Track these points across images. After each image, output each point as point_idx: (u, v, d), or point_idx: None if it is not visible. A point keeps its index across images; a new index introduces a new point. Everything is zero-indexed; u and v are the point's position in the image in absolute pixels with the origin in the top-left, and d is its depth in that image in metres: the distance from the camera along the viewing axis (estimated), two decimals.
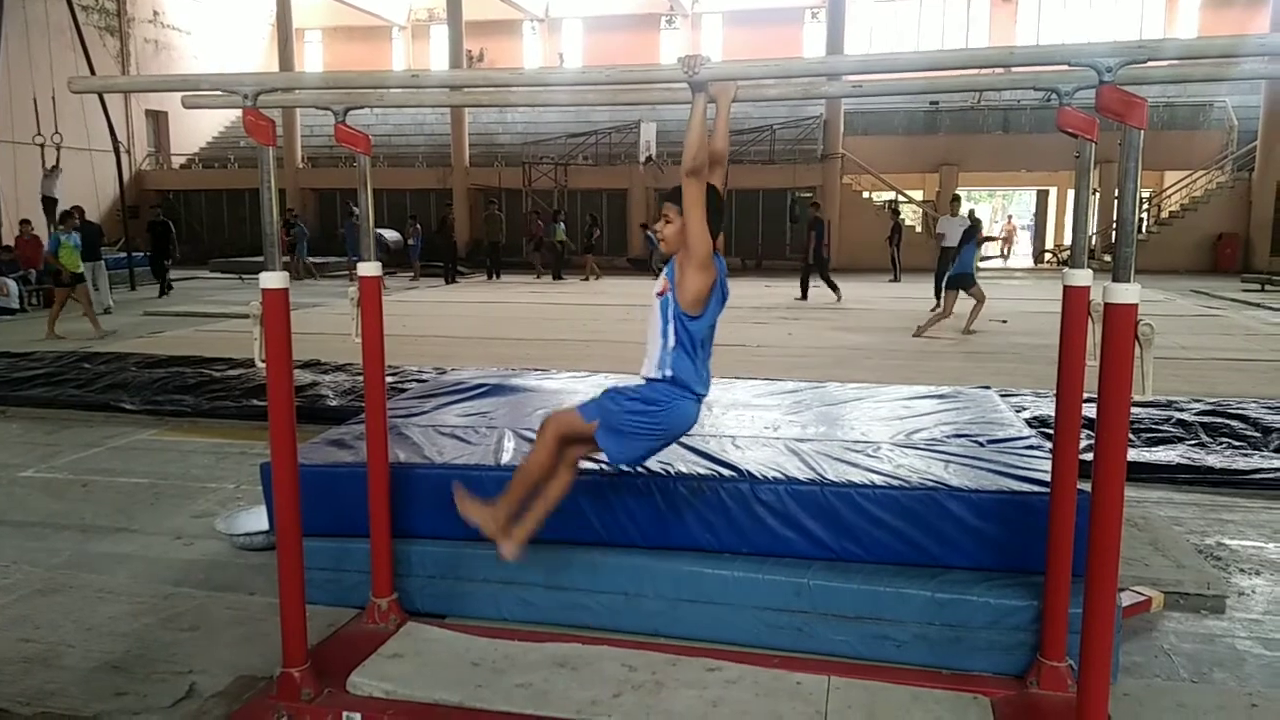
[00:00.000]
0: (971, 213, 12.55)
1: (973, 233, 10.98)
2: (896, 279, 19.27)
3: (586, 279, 19.76)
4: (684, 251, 2.61)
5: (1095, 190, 21.87)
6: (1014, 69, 3.03)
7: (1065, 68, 2.57)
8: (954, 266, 10.94)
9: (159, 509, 4.55)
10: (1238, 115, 22.22)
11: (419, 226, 20.62)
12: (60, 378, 7.43)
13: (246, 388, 6.85)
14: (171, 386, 7.03)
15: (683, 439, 3.60)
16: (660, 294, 2.69)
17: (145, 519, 4.41)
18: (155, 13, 27.12)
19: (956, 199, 13.12)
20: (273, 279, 2.65)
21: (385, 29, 32.23)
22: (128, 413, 6.51)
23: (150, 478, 5.07)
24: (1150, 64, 2.63)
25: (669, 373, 2.67)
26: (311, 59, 32.59)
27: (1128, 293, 2.24)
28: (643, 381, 2.72)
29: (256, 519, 4.01)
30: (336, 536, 3.33)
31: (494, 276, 20.47)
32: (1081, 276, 2.64)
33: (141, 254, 17.94)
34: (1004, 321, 11.46)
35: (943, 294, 11.07)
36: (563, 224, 20.83)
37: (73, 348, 9.07)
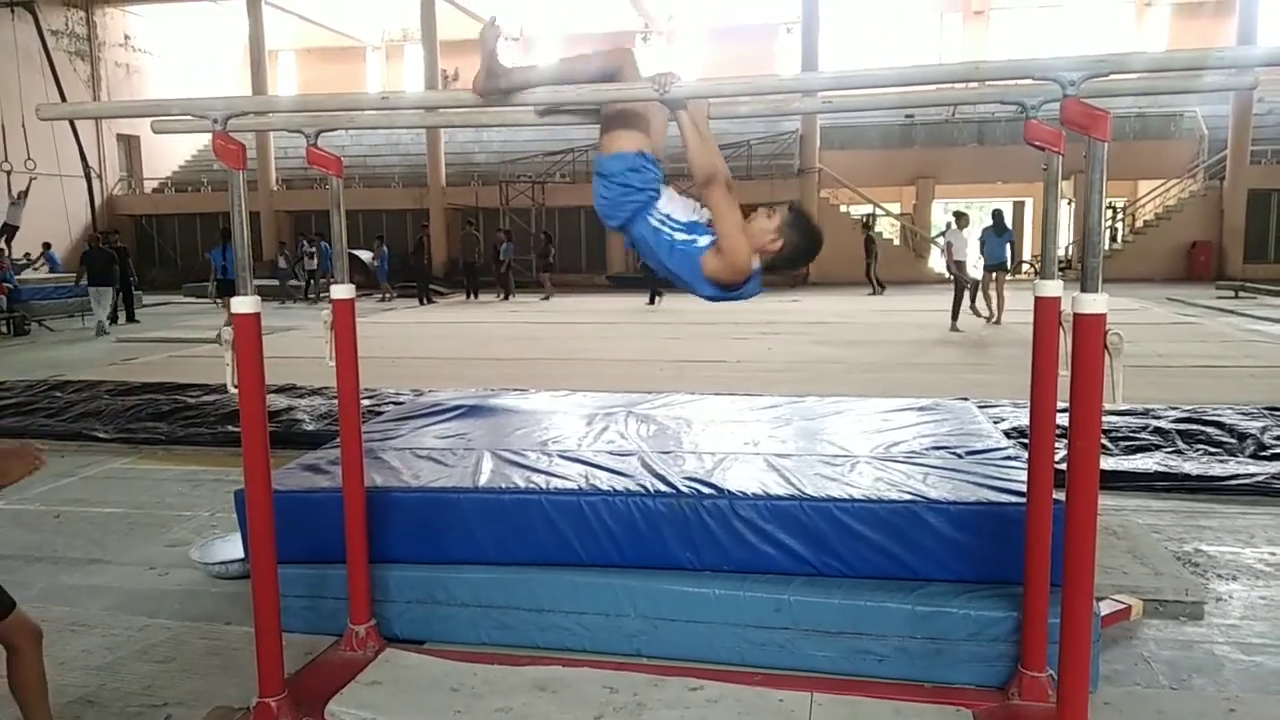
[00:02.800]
0: (997, 212, 13.11)
1: (1001, 229, 12.70)
2: (875, 292, 19.42)
3: (546, 298, 19.68)
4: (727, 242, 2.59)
5: (1070, 201, 22.15)
6: (983, 83, 3.05)
7: (1030, 81, 2.61)
8: (988, 258, 12.55)
9: (133, 539, 4.49)
10: (1208, 125, 22.58)
11: (385, 247, 20.51)
12: (31, 407, 7.33)
13: (221, 414, 6.78)
14: (145, 414, 6.95)
15: (661, 457, 3.60)
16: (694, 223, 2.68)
17: (119, 549, 4.34)
18: (126, 37, 27.00)
19: (962, 215, 13.18)
20: (244, 304, 2.62)
21: (359, 50, 32.25)
22: (100, 441, 6.43)
23: (124, 507, 5.00)
24: (1116, 77, 2.67)
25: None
26: (285, 80, 32.54)
27: (1095, 302, 2.26)
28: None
29: (231, 547, 3.96)
30: (313, 563, 3.29)
31: (471, 296, 20.41)
32: (1052, 287, 2.66)
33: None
34: (959, 331, 12.08)
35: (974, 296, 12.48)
36: (509, 245, 20.49)
37: (44, 376, 8.95)
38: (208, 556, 3.97)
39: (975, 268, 12.79)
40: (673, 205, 2.68)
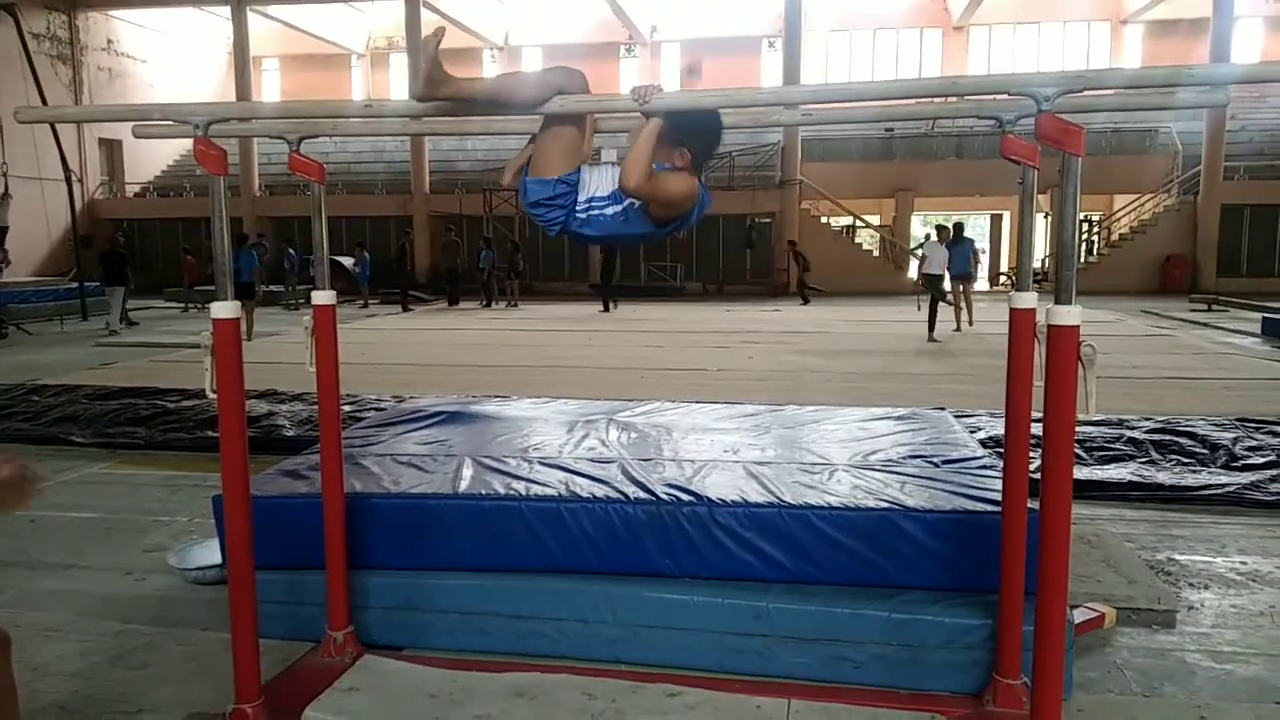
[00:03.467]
0: (958, 225, 13.28)
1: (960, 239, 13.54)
2: (805, 303, 19.63)
3: (513, 305, 19.77)
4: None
5: (1047, 214, 22.40)
6: (961, 98, 3.10)
7: (1007, 97, 2.66)
8: (954, 267, 13.22)
9: (109, 544, 4.45)
10: (1182, 140, 22.91)
11: (366, 254, 20.47)
12: (8, 410, 7.26)
13: (200, 419, 6.74)
14: (124, 418, 6.90)
15: (642, 464, 3.62)
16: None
17: (95, 554, 4.31)
18: (109, 40, 26.84)
19: (943, 228, 13.31)
20: (223, 309, 2.63)
21: (344, 57, 32.18)
22: (78, 446, 6.37)
23: (101, 512, 4.96)
24: (1090, 93, 2.72)
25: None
26: (269, 86, 32.43)
27: (1069, 315, 2.31)
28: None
29: (209, 552, 3.94)
30: (291, 569, 3.28)
31: (453, 303, 20.38)
32: (1027, 299, 2.70)
33: (96, 284, 17.69)
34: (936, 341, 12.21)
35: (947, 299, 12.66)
36: (489, 252, 20.49)
37: (21, 380, 8.87)
38: (185, 562, 3.95)
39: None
40: (595, 184, 2.69)
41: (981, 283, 27.95)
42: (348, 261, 20.34)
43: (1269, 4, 26.93)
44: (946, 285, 13.15)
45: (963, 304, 13.43)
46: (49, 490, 5.39)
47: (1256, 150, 23.36)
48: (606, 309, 18.09)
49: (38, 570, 4.12)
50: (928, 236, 27.11)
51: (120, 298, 14.66)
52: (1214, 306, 16.94)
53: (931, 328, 12.41)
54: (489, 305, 19.95)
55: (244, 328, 12.84)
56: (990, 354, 10.42)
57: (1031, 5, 28.98)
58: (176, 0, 26.52)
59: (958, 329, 13.22)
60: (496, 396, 6.36)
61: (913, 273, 24.79)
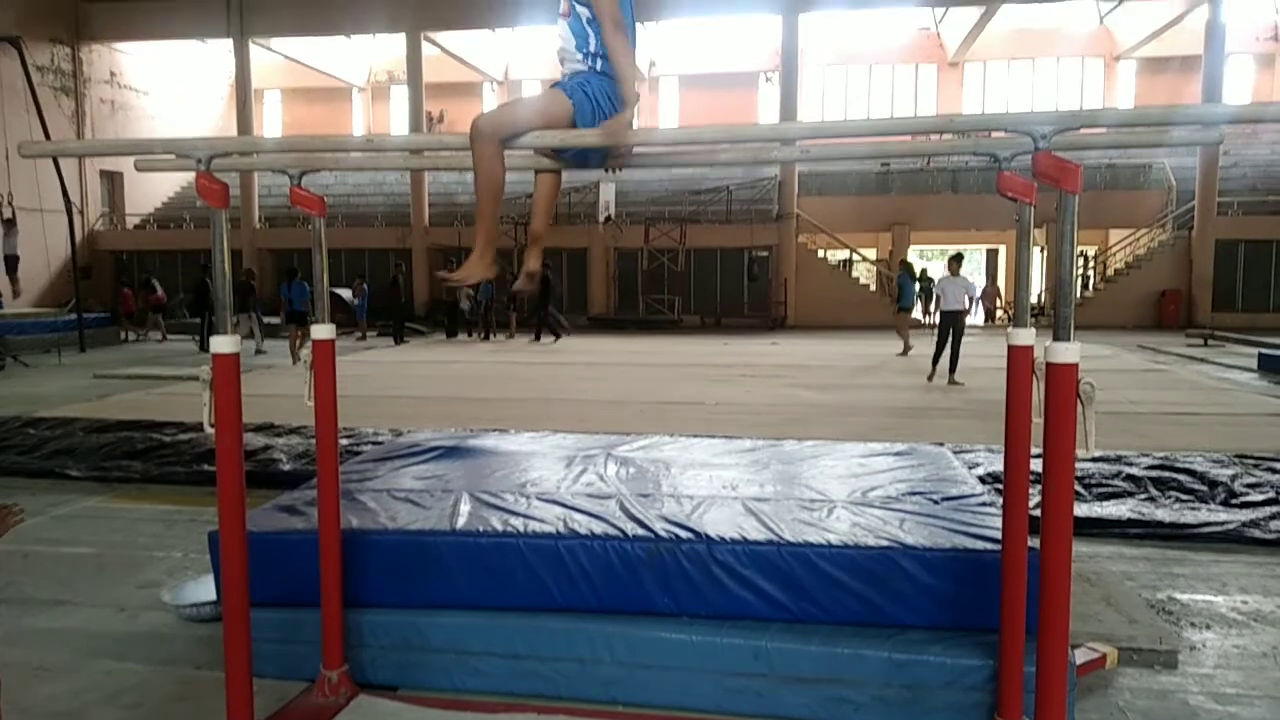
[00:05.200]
0: (923, 270, 13.22)
1: (911, 273, 15.47)
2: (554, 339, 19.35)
3: (511, 337, 19.76)
4: None
5: (1043, 248, 22.52)
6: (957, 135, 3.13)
7: (1003, 134, 2.68)
8: (902, 299, 15.06)
9: (103, 580, 4.41)
10: (1176, 176, 23.11)
11: (366, 286, 20.52)
12: (4, 443, 7.22)
13: (197, 452, 6.71)
14: (120, 452, 6.87)
15: (640, 500, 3.61)
16: (564, 15, 2.69)
17: (88, 590, 4.27)
18: (112, 73, 27.07)
19: (957, 259, 12.28)
20: (223, 343, 2.63)
21: (345, 90, 32.46)
22: (74, 479, 6.34)
23: (95, 547, 4.92)
24: (1086, 131, 2.75)
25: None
26: (270, 119, 32.67)
27: (1068, 352, 2.31)
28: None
29: (204, 589, 3.91)
30: (286, 606, 3.25)
31: (452, 335, 20.39)
32: (1025, 336, 2.70)
33: (95, 315, 17.76)
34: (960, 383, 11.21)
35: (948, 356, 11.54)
36: (488, 285, 20.40)
37: (17, 412, 8.84)
38: (179, 599, 3.91)
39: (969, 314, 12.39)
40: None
41: (978, 316, 28.18)
42: (346, 294, 20.38)
43: (1259, 41, 27.32)
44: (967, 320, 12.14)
45: (908, 331, 15.17)
46: (43, 525, 5.36)
47: (1250, 186, 23.55)
48: (539, 338, 18.56)
49: (29, 607, 4.08)
50: (924, 271, 27.26)
51: (253, 323, 16.15)
52: (1210, 342, 16.98)
53: (953, 369, 11.28)
54: (487, 338, 19.96)
55: (293, 349, 13.24)
56: (986, 389, 10.42)
57: (1026, 41, 29.34)
58: (180, 33, 26.75)
59: (903, 353, 14.72)
60: (494, 430, 6.35)
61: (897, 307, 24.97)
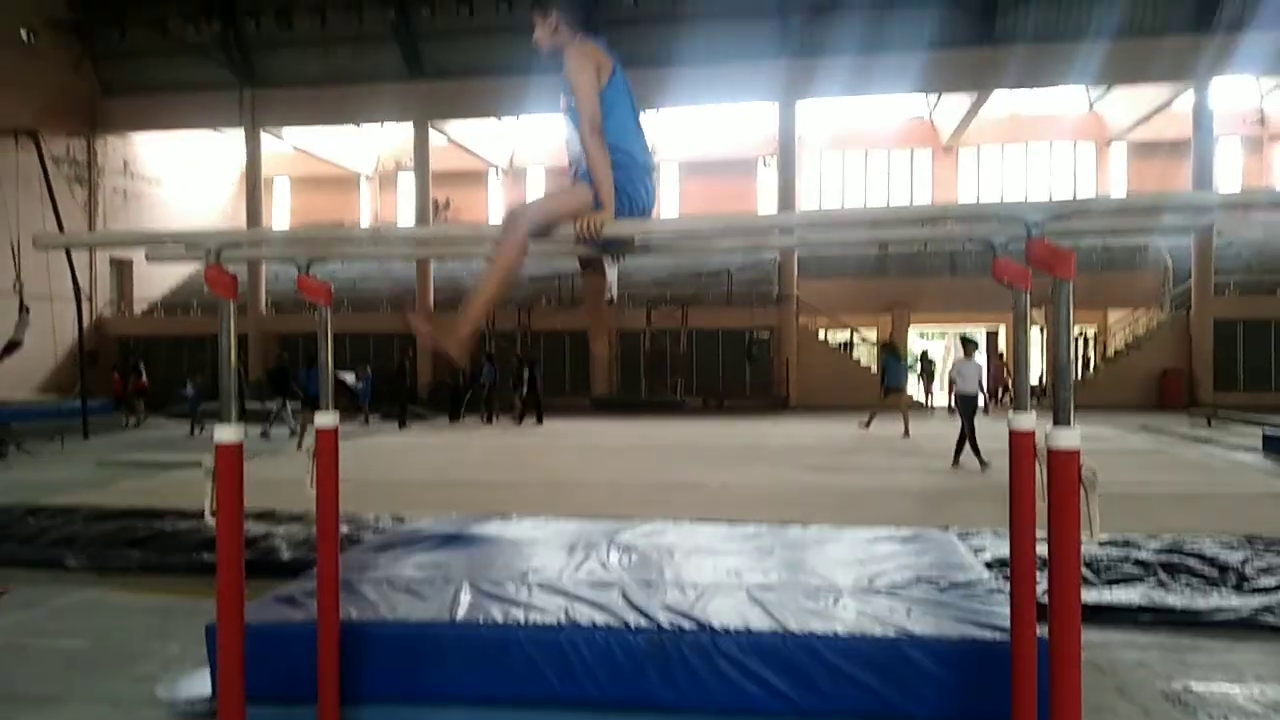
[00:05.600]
0: (923, 351, 13.14)
1: (895, 353, 15.85)
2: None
3: (516, 421, 19.62)
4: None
5: (1042, 328, 22.64)
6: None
7: (997, 222, 2.74)
8: (889, 382, 15.20)
9: (97, 674, 4.33)
10: (1172, 255, 23.38)
11: (370, 371, 20.60)
12: (3, 533, 7.17)
13: (197, 541, 6.65)
14: (120, 540, 6.80)
15: (642, 588, 3.57)
16: (564, 110, 2.80)
17: (81, 685, 4.18)
18: (125, 163, 27.71)
19: (970, 342, 12.06)
20: (227, 432, 2.64)
21: (353, 178, 33.14)
22: (72, 569, 6.27)
23: (91, 639, 4.84)
24: (1078, 219, 2.81)
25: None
26: (279, 206, 33.29)
27: (1069, 437, 2.32)
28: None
29: (200, 683, 3.83)
30: (284, 702, 3.19)
31: (455, 419, 20.38)
32: (1026, 420, 2.71)
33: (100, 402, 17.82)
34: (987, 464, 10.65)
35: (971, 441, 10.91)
36: (491, 368, 20.51)
37: (18, 500, 8.79)
38: (175, 693, 3.83)
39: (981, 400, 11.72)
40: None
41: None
42: (350, 377, 20.45)
43: (1246, 125, 27.96)
44: (980, 404, 11.74)
45: (903, 411, 15.08)
46: (38, 617, 5.28)
47: (1245, 266, 23.80)
48: (521, 420, 18.90)
49: (19, 704, 4.00)
50: (924, 353, 27.35)
51: (288, 407, 16.73)
52: (1213, 421, 16.93)
53: (977, 452, 10.80)
54: (489, 421, 19.95)
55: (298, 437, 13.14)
56: (992, 470, 10.36)
57: (1018, 127, 30.03)
58: (194, 124, 27.48)
59: (904, 435, 14.64)
60: (496, 516, 6.31)
61: (911, 389, 24.99)
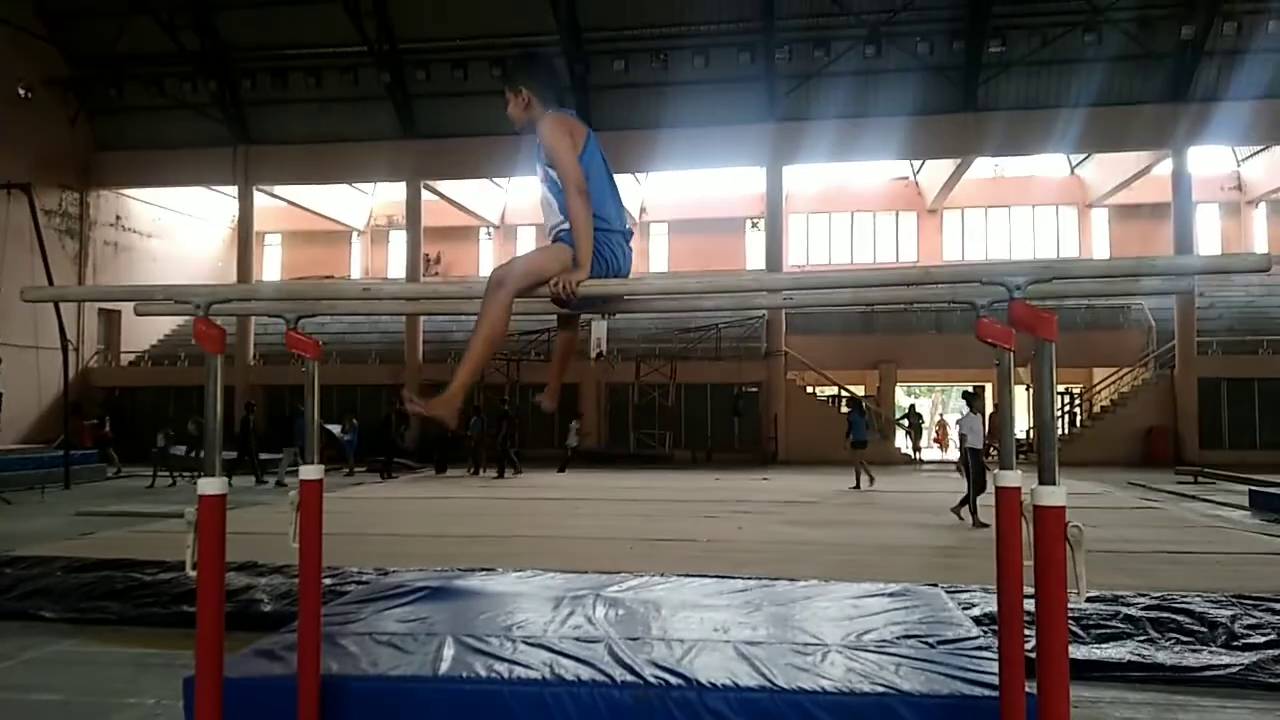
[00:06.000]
0: (910, 406, 12.98)
1: (860, 409, 16.56)
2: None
3: (516, 473, 19.54)
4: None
5: (1027, 386, 22.78)
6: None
7: (979, 285, 2.79)
8: (855, 437, 15.53)
9: None
10: (1155, 316, 23.65)
11: (355, 422, 20.52)
12: None
13: (177, 592, 6.55)
14: (98, 592, 6.69)
15: (629, 644, 3.53)
16: (543, 180, 2.91)
17: None
18: (118, 216, 27.83)
19: (973, 396, 11.84)
20: (211, 485, 2.63)
21: (345, 233, 33.33)
22: (48, 621, 6.16)
23: (64, 693, 4.74)
24: (1059, 282, 2.86)
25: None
26: (270, 260, 33.39)
27: (1054, 495, 2.33)
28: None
29: None
30: None
31: (441, 471, 20.25)
32: (1011, 478, 2.73)
33: (82, 452, 17.64)
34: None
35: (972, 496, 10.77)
36: (477, 420, 20.45)
37: None
38: None
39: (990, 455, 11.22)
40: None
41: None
42: (336, 429, 20.34)
43: (1224, 190, 28.54)
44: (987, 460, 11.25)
45: (860, 467, 15.56)
46: (11, 670, 5.18)
47: (1227, 326, 24.08)
48: (502, 474, 18.85)
49: None
50: (912, 407, 27.32)
51: (290, 457, 17.14)
52: (1200, 478, 16.98)
53: (973, 509, 10.69)
54: (476, 473, 19.84)
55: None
56: (980, 526, 10.34)
57: (1001, 190, 30.58)
58: (187, 181, 27.69)
59: (856, 486, 15.31)
60: (481, 569, 6.25)
61: (899, 443, 25.03)
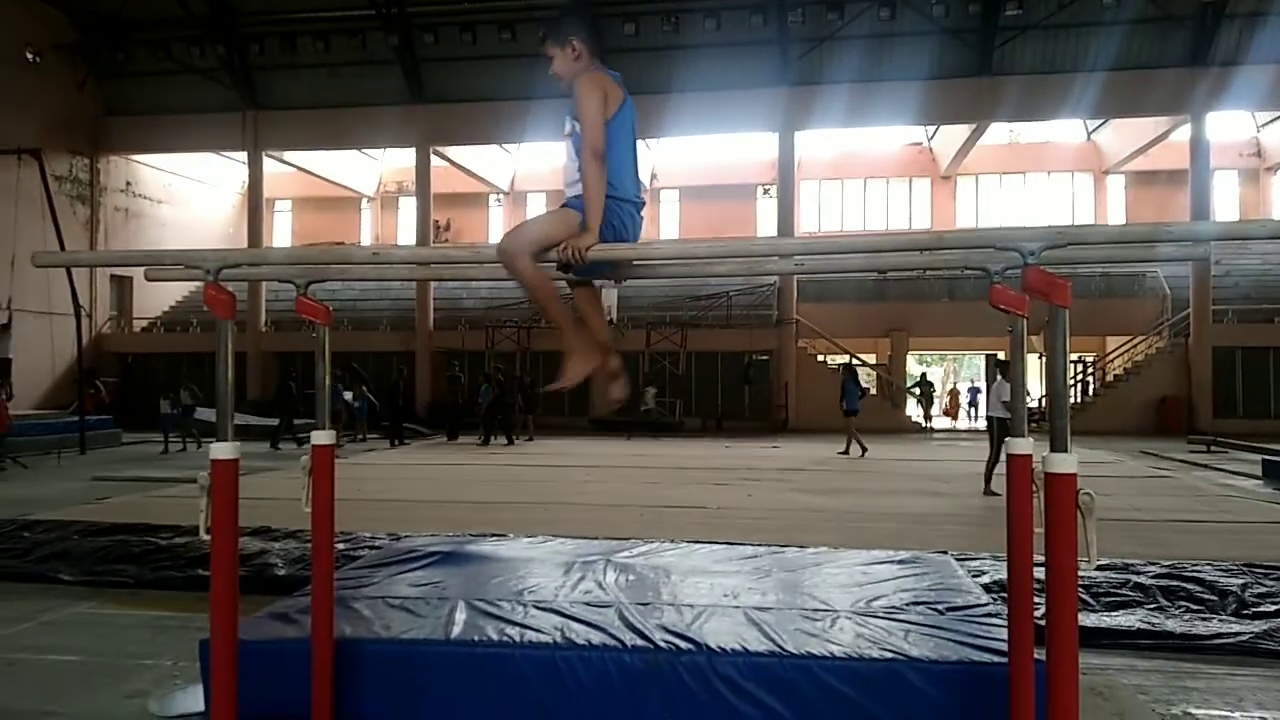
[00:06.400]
0: (922, 374, 12.93)
1: (855, 376, 16.51)
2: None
3: (529, 438, 19.80)
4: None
5: (1041, 354, 22.67)
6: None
7: (993, 250, 2.75)
8: (848, 406, 15.77)
9: (88, 689, 4.30)
10: (1170, 284, 23.42)
11: (364, 389, 20.59)
12: None
13: (192, 556, 6.63)
14: (114, 555, 6.78)
15: (639, 609, 3.55)
16: (568, 135, 2.82)
17: (72, 701, 4.16)
18: (128, 183, 27.81)
19: (1006, 364, 11.46)
20: (223, 449, 2.64)
21: (354, 199, 33.26)
22: (66, 584, 6.25)
23: (83, 654, 4.81)
24: (1074, 247, 2.83)
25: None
26: (281, 226, 33.38)
27: (1065, 462, 2.32)
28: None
29: (193, 698, 3.81)
30: (277, 719, 3.16)
31: (453, 438, 20.36)
32: (1023, 445, 2.71)
33: (98, 417, 17.80)
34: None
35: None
36: (487, 387, 20.50)
37: (13, 515, 8.77)
38: (167, 709, 3.82)
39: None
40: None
41: (981, 421, 28.11)
42: (348, 395, 20.46)
43: (1243, 157, 28.14)
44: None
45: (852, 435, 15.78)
46: (30, 631, 5.26)
47: (1243, 295, 23.84)
48: (510, 441, 18.81)
49: (10, 719, 3.97)
50: (923, 375, 27.20)
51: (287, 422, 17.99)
52: (1213, 448, 16.92)
53: (989, 479, 10.65)
54: (487, 442, 19.95)
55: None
56: (990, 495, 10.34)
57: (1016, 156, 30.21)
58: (197, 147, 27.62)
59: (845, 452, 15.71)
60: (493, 535, 6.30)
61: (910, 411, 24.99)
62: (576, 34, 2.80)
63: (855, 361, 25.81)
